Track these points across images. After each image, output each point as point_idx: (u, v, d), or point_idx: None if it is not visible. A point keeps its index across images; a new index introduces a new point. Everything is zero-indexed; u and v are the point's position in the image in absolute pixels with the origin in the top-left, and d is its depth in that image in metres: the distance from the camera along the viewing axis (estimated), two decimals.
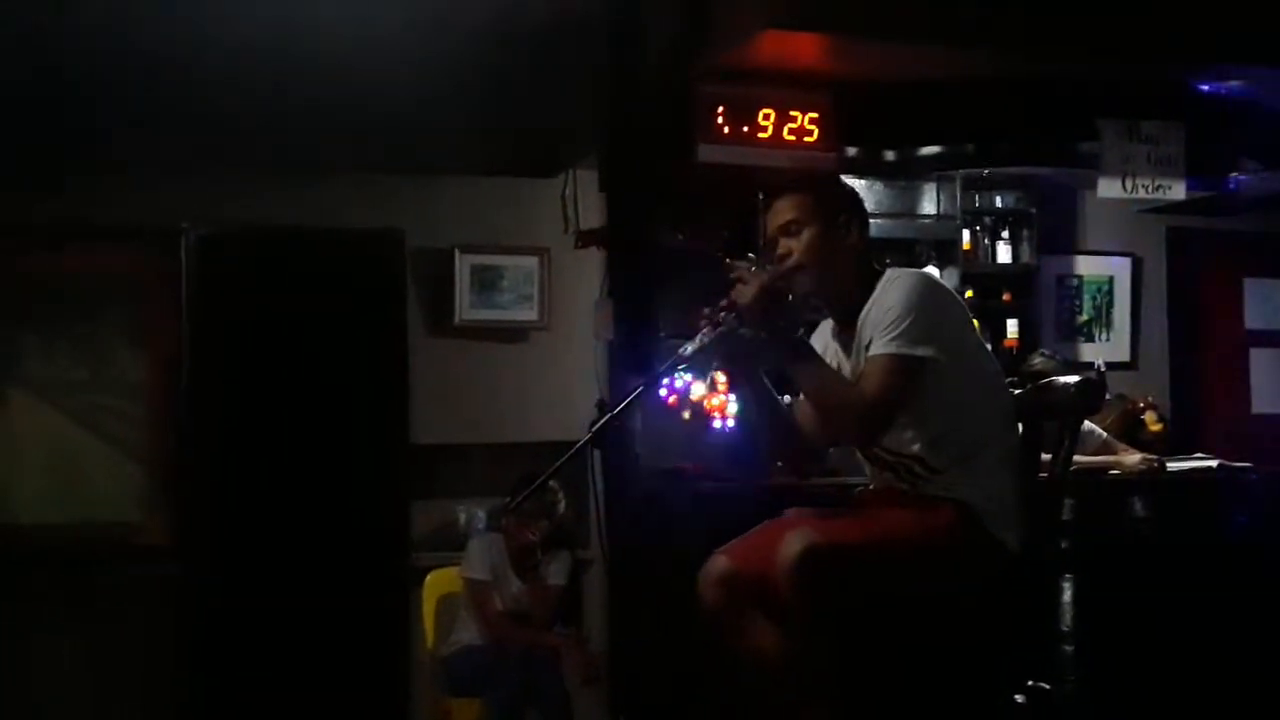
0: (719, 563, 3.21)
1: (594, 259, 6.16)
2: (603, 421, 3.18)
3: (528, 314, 6.40)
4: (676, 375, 5.09)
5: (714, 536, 3.31)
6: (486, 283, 6.34)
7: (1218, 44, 5.34)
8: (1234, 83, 5.80)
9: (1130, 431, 5.86)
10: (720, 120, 5.61)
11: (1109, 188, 5.99)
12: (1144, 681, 4.63)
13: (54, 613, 5.75)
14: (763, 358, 3.23)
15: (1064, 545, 4.32)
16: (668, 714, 4.78)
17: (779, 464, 4.52)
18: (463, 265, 6.30)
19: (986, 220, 6.70)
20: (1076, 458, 3.50)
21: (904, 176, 6.48)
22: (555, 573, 5.55)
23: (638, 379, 3.30)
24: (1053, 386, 3.45)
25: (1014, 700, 3.16)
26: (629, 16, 5.13)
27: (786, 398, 3.38)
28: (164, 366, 6.04)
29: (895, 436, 3.17)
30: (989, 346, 3.84)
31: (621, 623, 5.26)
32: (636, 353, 5.19)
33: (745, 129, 5.63)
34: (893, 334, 3.08)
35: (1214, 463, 5.35)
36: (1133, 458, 5.32)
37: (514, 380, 6.38)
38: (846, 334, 3.27)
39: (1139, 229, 7.22)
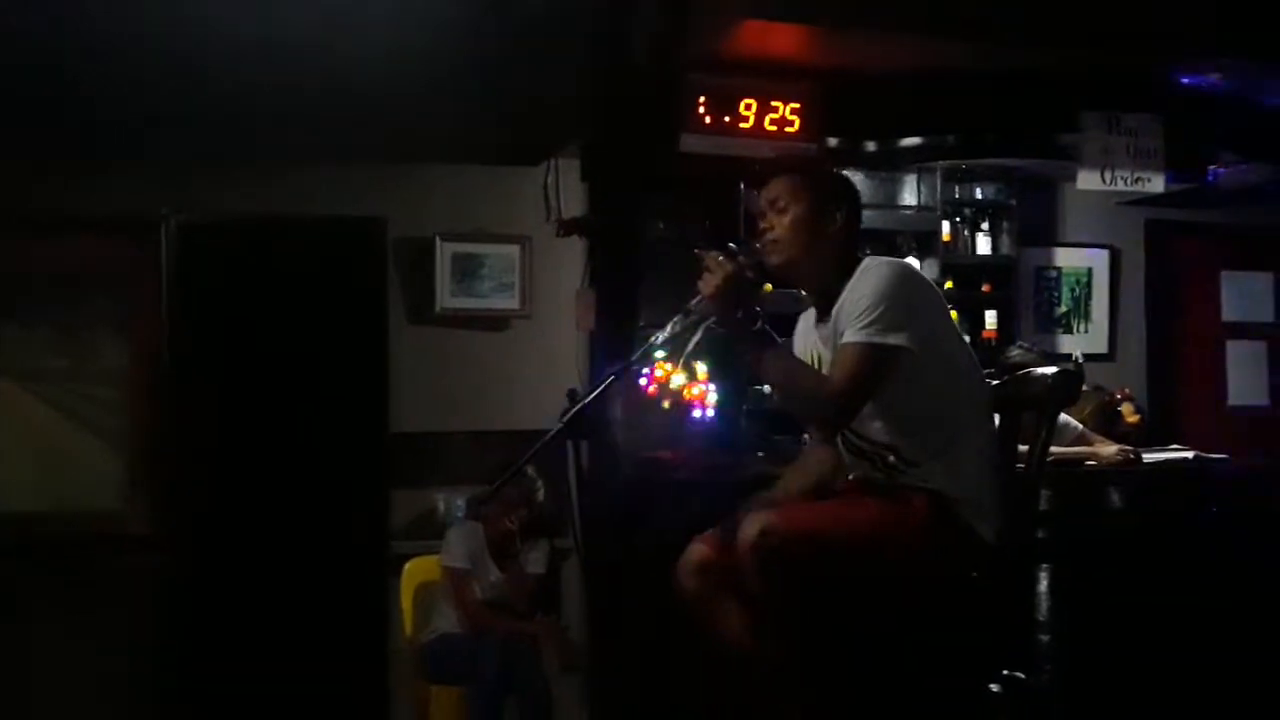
0: (696, 551, 3.23)
1: (575, 248, 6.17)
2: (574, 410, 3.18)
3: (509, 302, 6.40)
4: (655, 363, 5.10)
5: (692, 525, 3.33)
6: (467, 271, 6.34)
7: (1198, 36, 5.36)
8: (1213, 76, 5.82)
9: (1107, 423, 5.89)
10: (702, 110, 5.62)
11: (1088, 180, 6.02)
12: (1120, 671, 4.66)
13: (35, 601, 5.73)
14: (734, 347, 3.24)
15: (1040, 535, 4.34)
16: (647, 702, 4.80)
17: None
18: (444, 253, 6.29)
19: (966, 212, 6.74)
20: (1053, 449, 3.53)
21: (885, 167, 6.51)
22: (534, 561, 5.56)
23: (615, 368, 3.31)
24: (1030, 378, 3.47)
25: (990, 689, 3.18)
26: (614, 6, 5.13)
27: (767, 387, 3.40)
28: (145, 355, 6.03)
29: (867, 425, 3.19)
30: (967, 337, 3.88)
31: (600, 611, 5.27)
32: (617, 342, 5.21)
33: (727, 119, 5.65)
34: (864, 322, 3.09)
35: (1190, 454, 5.39)
36: (1109, 449, 5.35)
37: (495, 369, 6.38)
38: (825, 322, 3.29)
39: (1118, 221, 7.26)
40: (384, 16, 4.93)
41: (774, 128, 5.70)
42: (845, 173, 5.98)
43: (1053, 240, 7.23)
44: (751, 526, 3.01)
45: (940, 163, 6.48)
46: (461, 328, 6.38)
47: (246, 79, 5.14)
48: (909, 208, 6.64)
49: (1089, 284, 7.27)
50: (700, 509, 3.47)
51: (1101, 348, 7.23)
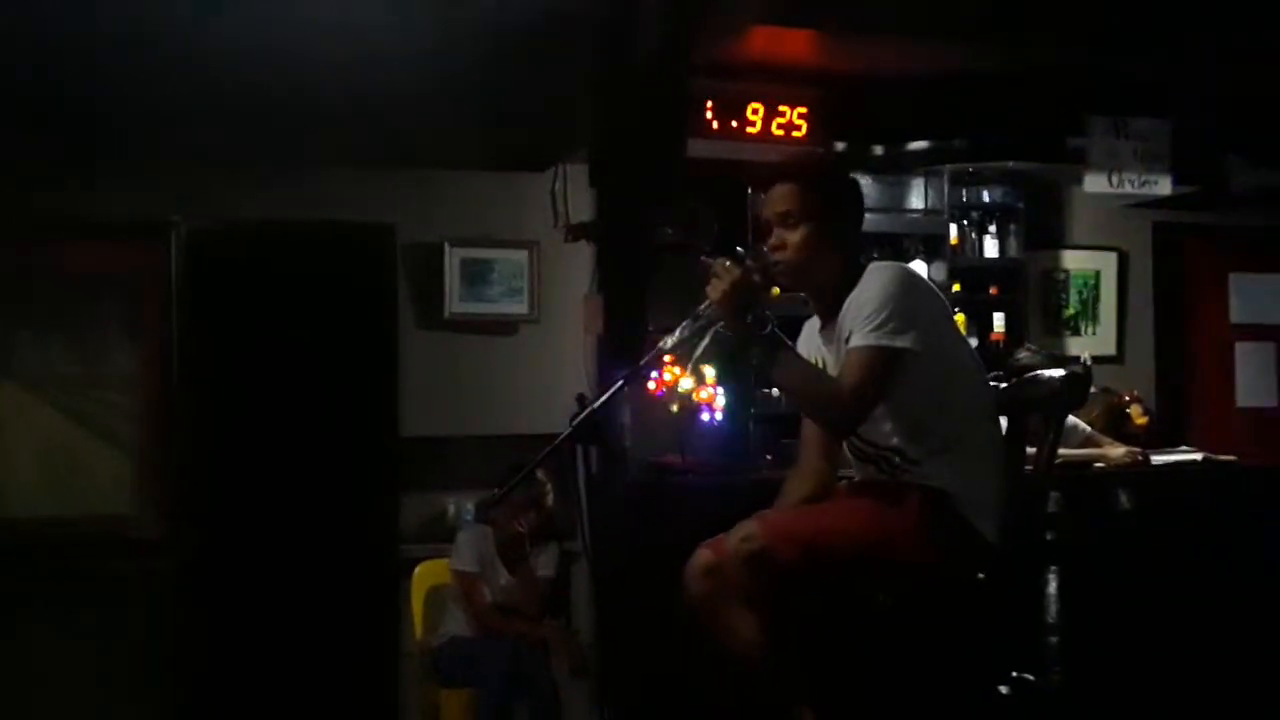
0: (704, 556, 3.24)
1: (583, 253, 6.17)
2: (583, 415, 3.19)
3: (517, 307, 6.42)
4: (663, 367, 5.11)
5: (700, 530, 3.34)
6: (476, 276, 6.36)
7: (1206, 38, 5.37)
8: (1220, 78, 5.82)
9: (1115, 425, 5.88)
10: (709, 115, 5.64)
11: (1096, 183, 6.02)
12: (1128, 673, 4.66)
13: (45, 605, 5.75)
14: (744, 352, 3.25)
15: (1049, 537, 4.34)
16: (655, 705, 4.80)
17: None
18: (453, 259, 6.31)
19: (974, 215, 6.73)
20: (1061, 451, 3.53)
21: (892, 171, 6.50)
22: (544, 564, 5.57)
23: (624, 373, 3.32)
24: (1038, 380, 3.47)
25: (999, 691, 3.19)
26: (620, 11, 5.14)
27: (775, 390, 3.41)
28: (155, 360, 6.05)
29: (874, 428, 3.19)
30: (975, 341, 3.89)
31: (608, 614, 5.27)
32: (625, 347, 5.21)
33: (734, 124, 5.67)
34: (871, 326, 3.10)
35: (1198, 456, 5.38)
36: (1118, 450, 5.35)
37: (504, 373, 6.40)
38: (830, 328, 3.30)
39: (1125, 224, 7.25)
40: (393, 24, 4.95)
41: (781, 132, 5.72)
42: (852, 177, 6.02)
43: (1060, 243, 7.22)
44: (735, 533, 3.09)
45: (947, 166, 6.47)
46: (471, 333, 6.40)
47: (257, 85, 5.16)
48: (916, 211, 6.63)
49: (1097, 286, 7.27)
50: (708, 513, 3.48)
51: (1110, 350, 7.23)
